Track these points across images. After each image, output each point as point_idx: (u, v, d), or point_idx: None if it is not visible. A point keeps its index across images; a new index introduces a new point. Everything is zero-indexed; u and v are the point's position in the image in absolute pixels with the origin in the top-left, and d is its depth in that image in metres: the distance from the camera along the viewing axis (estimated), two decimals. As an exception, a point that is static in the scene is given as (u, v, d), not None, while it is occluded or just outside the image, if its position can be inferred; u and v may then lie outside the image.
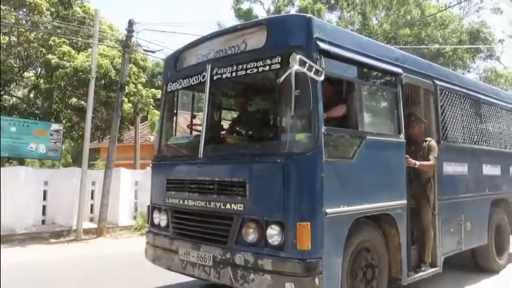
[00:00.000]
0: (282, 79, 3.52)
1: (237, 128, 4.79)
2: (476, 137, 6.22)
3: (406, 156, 4.80)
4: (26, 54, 14.73)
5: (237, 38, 4.32)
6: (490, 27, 21.54)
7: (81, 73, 12.71)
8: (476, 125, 6.26)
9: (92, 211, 12.14)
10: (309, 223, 3.58)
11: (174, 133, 5.35)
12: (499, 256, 6.72)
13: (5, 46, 13.12)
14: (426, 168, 5.15)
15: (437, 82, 5.45)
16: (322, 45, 3.83)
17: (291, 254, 3.58)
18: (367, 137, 4.20)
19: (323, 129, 3.70)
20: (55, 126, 13.07)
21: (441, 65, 14.38)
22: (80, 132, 14.64)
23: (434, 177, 5.27)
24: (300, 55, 3.58)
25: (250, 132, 4.66)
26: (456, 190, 5.67)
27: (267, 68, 3.93)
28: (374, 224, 4.44)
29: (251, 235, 3.83)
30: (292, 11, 21.70)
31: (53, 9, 13.62)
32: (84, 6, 14.66)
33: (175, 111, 5.28)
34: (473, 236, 5.95)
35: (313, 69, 3.64)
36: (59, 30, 13.90)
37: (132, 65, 14.07)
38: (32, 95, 16.42)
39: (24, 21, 13.80)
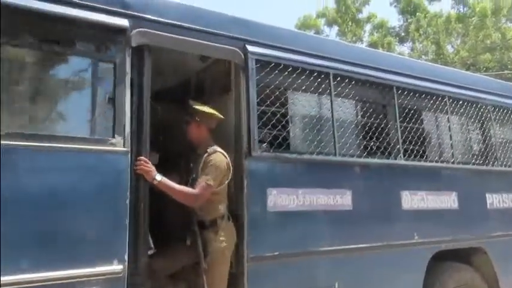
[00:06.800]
0: None
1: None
2: (373, 143, 3.52)
3: (143, 159, 2.54)
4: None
5: None
6: None
7: None
8: (370, 124, 3.63)
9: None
10: None
11: None
12: None
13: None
14: (177, 195, 2.72)
15: (251, 48, 3.07)
16: None
17: None
18: None
19: None
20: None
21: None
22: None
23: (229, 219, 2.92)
24: None
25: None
26: (315, 238, 3.09)
27: None
28: None
29: None
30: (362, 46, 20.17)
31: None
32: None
33: None
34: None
35: None
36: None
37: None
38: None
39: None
